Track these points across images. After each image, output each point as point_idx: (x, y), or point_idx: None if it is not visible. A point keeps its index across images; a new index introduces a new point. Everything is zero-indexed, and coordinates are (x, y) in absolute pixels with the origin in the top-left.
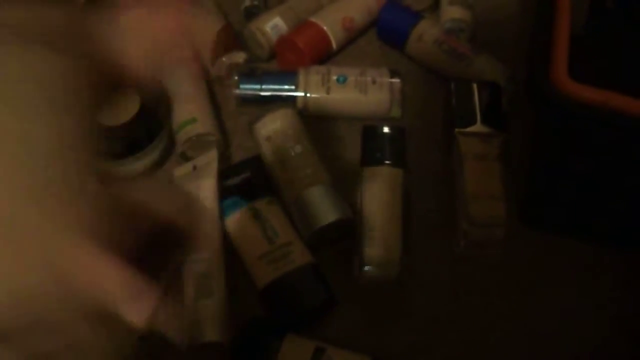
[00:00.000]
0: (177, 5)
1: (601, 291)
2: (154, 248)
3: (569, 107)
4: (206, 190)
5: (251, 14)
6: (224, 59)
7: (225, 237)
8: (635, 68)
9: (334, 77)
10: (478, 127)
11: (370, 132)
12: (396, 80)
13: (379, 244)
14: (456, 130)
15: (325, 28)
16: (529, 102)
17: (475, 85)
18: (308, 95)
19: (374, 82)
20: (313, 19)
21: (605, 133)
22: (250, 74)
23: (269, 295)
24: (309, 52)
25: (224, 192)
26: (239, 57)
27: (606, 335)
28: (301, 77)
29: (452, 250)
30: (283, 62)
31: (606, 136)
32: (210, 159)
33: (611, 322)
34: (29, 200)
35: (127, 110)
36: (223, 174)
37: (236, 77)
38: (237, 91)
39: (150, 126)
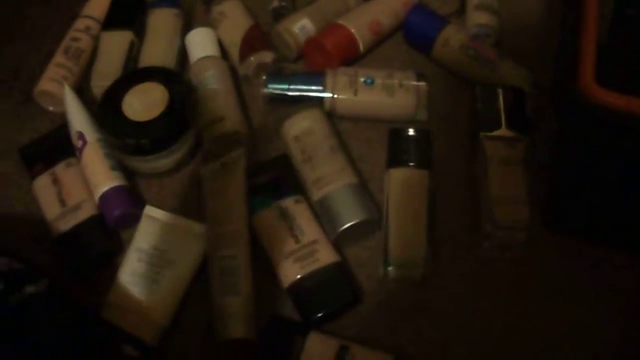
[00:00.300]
0: None
1: (623, 294)
2: None
3: (596, 112)
4: (234, 188)
5: (279, 14)
6: (252, 58)
7: (252, 234)
8: None
9: (362, 79)
10: (503, 131)
11: (396, 134)
12: (422, 83)
13: (403, 244)
14: (481, 134)
15: (353, 31)
16: (555, 108)
17: (500, 90)
18: (335, 96)
19: (400, 85)
20: (341, 22)
21: (631, 138)
22: (278, 74)
23: (294, 293)
24: (336, 54)
25: (252, 191)
26: (267, 57)
27: (627, 337)
28: (329, 79)
29: (475, 251)
30: (310, 63)
31: (631, 141)
32: (237, 157)
33: (632, 324)
34: None
35: (155, 107)
36: (250, 173)
37: (264, 77)
38: (265, 90)
39: (178, 123)
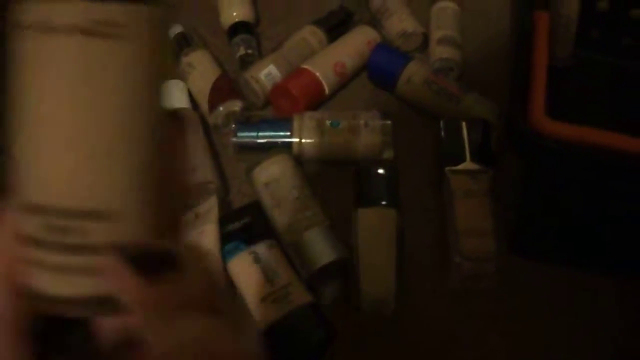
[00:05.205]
0: None
1: (592, 315)
2: None
3: (547, 145)
4: (208, 236)
5: (246, 62)
6: (221, 108)
7: (228, 280)
8: (618, 96)
9: (328, 122)
10: (467, 164)
11: (363, 174)
12: (387, 122)
13: (374, 281)
14: (446, 168)
15: (317, 74)
16: (510, 140)
17: (463, 124)
18: (303, 140)
19: (366, 125)
20: (306, 66)
21: (585, 167)
22: (247, 122)
23: (271, 334)
24: (302, 98)
25: (225, 238)
26: (236, 105)
27: (602, 355)
28: (296, 124)
29: (446, 284)
30: (278, 109)
31: (586, 170)
32: (210, 206)
33: (604, 346)
34: None
35: None
36: (223, 220)
37: (233, 125)
38: (235, 139)
39: None
